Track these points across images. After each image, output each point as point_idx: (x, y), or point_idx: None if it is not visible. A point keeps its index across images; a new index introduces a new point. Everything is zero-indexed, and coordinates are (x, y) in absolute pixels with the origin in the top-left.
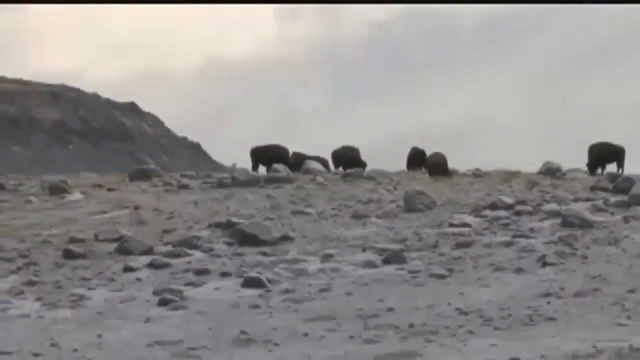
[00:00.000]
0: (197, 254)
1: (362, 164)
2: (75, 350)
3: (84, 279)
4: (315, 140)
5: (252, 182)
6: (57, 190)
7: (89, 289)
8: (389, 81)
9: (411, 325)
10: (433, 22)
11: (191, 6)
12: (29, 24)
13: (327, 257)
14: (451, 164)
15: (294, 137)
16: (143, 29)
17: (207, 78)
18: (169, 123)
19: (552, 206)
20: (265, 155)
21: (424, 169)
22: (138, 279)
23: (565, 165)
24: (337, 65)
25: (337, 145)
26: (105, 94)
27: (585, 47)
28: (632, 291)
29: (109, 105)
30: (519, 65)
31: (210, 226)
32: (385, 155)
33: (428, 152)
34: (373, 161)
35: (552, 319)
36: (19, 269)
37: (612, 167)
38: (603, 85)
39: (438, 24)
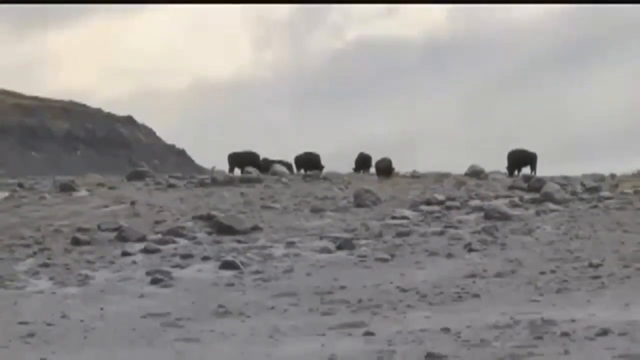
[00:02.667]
0: (183, 241)
1: (320, 167)
2: (82, 321)
3: (88, 262)
4: (282, 148)
5: (229, 182)
6: (67, 188)
7: (93, 270)
8: (344, 98)
9: (360, 301)
10: (381, 50)
11: (182, 34)
12: (45, 50)
13: (290, 244)
14: (393, 167)
15: (264, 145)
16: (141, 54)
17: (193, 96)
18: (160, 133)
19: (477, 202)
20: (240, 159)
21: (370, 171)
22: (134, 262)
23: (488, 168)
24: (300, 85)
25: (299, 151)
26: (107, 109)
27: (508, 69)
28: (543, 273)
29: (111, 118)
30: (453, 85)
31: (193, 218)
32: (339, 159)
33: (375, 158)
34: (330, 165)
35: (476, 295)
36: (35, 253)
37: (527, 170)
38: (521, 101)
39: (386, 51)
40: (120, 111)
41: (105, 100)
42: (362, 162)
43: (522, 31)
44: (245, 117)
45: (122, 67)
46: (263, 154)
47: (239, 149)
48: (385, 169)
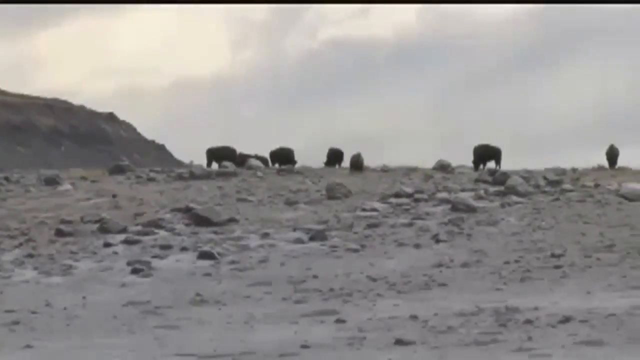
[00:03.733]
0: (162, 232)
1: (294, 162)
2: (65, 308)
3: (72, 252)
4: (258, 143)
5: (206, 176)
6: (51, 182)
7: (76, 260)
8: (318, 96)
9: (331, 289)
10: (354, 49)
11: (164, 34)
12: (31, 49)
13: (265, 235)
14: (364, 162)
15: (241, 141)
16: (124, 53)
17: (173, 94)
18: (141, 129)
19: (444, 195)
20: (217, 154)
21: (341, 165)
22: (115, 253)
23: (454, 163)
24: (276, 83)
25: (274, 146)
26: (90, 106)
27: (476, 68)
28: (507, 263)
29: (93, 115)
30: (423, 83)
31: (172, 210)
32: (313, 154)
33: (346, 153)
34: (304, 159)
35: (443, 284)
36: (21, 244)
37: (492, 164)
38: (487, 99)
39: (358, 50)
40: (102, 108)
41: (89, 97)
42: (334, 156)
43: (490, 31)
44: (223, 114)
45: (106, 66)
46: (239, 149)
47: (216, 144)
48: (358, 163)
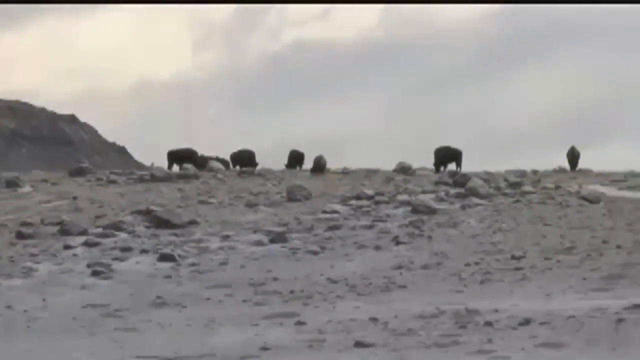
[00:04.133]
0: (122, 235)
1: (255, 164)
2: (26, 311)
3: (32, 254)
4: (219, 145)
5: (167, 178)
6: (12, 184)
7: (36, 262)
8: (280, 98)
9: (292, 292)
10: (318, 51)
11: (126, 36)
12: None
13: (225, 237)
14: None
15: (202, 142)
16: (86, 55)
17: (134, 95)
18: (102, 131)
19: (404, 197)
20: (178, 156)
21: (302, 168)
22: (75, 255)
23: (415, 165)
24: (238, 86)
25: (235, 148)
26: (51, 108)
27: (438, 70)
28: (468, 265)
29: (55, 117)
30: (385, 85)
31: (133, 213)
32: (274, 157)
33: (307, 155)
34: (266, 161)
35: (403, 286)
36: None
37: (452, 166)
38: (449, 100)
39: (322, 52)
40: (64, 110)
41: (50, 99)
42: (295, 158)
43: (453, 32)
44: (184, 116)
45: (67, 68)
46: (201, 151)
47: (177, 146)
48: (320, 165)
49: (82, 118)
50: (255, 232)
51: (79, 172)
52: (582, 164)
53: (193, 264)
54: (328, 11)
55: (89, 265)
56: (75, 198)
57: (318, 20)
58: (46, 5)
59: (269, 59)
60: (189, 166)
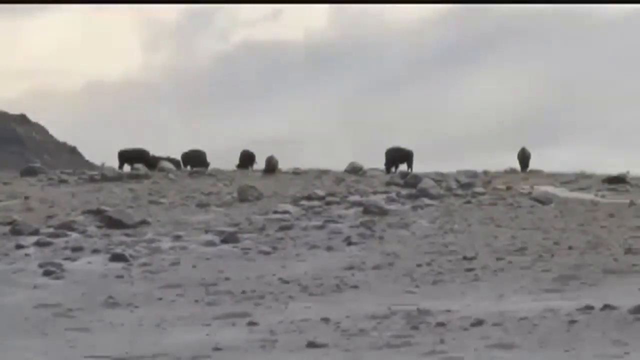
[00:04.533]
0: (74, 234)
1: (206, 164)
2: None
3: None
4: (170, 145)
5: (118, 178)
6: None
7: None
8: (231, 98)
9: (243, 292)
10: (266, 51)
11: (76, 37)
12: None
13: (177, 238)
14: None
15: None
16: (36, 55)
17: (85, 95)
18: (52, 131)
19: (356, 197)
20: (129, 156)
21: (253, 168)
22: (27, 255)
23: (366, 165)
24: (188, 86)
25: (187, 149)
26: (1, 107)
27: (389, 70)
28: (419, 265)
29: (5, 116)
30: (335, 85)
31: (84, 213)
32: (226, 157)
33: (259, 155)
34: (217, 162)
35: (355, 287)
36: None
37: (404, 167)
38: (400, 101)
39: (270, 52)
40: (14, 110)
41: (1, 99)
42: (246, 159)
43: (404, 32)
44: (134, 117)
45: (17, 67)
46: (152, 151)
47: (128, 146)
48: (272, 165)
49: (33, 118)
50: (206, 232)
51: (30, 172)
52: (532, 165)
53: (145, 264)
54: (278, 11)
55: (40, 265)
56: (26, 198)
57: (268, 21)
58: None
59: (219, 59)
60: (140, 166)
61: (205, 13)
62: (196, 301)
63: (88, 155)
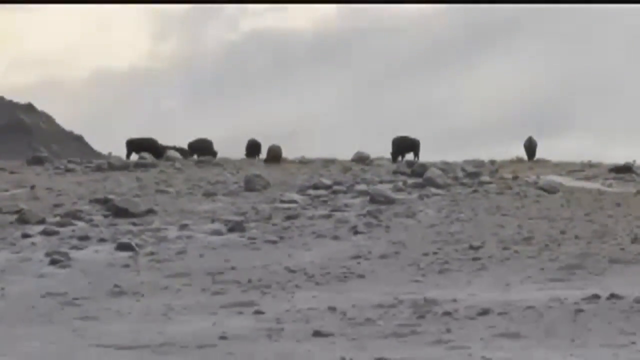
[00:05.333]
0: (80, 223)
1: (214, 153)
2: None
3: None
4: (178, 134)
5: (124, 167)
6: None
7: None
8: (238, 88)
9: (250, 281)
10: (275, 41)
11: (86, 29)
12: None
13: (183, 227)
14: (283, 153)
15: (160, 132)
16: (42, 45)
17: (92, 85)
18: (59, 120)
19: (362, 186)
20: (138, 145)
21: (260, 157)
22: (33, 244)
23: (373, 154)
24: (196, 75)
25: (193, 138)
26: (9, 97)
27: (396, 62)
28: (425, 254)
29: (12, 105)
30: (342, 75)
31: (91, 202)
32: (234, 146)
33: (265, 144)
34: (225, 151)
35: (361, 276)
36: None
37: (410, 156)
38: (406, 92)
39: (279, 42)
40: (22, 99)
41: (8, 88)
42: (253, 148)
43: (412, 24)
44: (142, 106)
45: (25, 58)
46: (159, 140)
47: (135, 135)
48: (276, 154)
49: (40, 107)
50: (213, 221)
51: (37, 161)
52: (539, 155)
53: (151, 253)
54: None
55: (47, 254)
56: (33, 187)
57: (276, 11)
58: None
59: (226, 48)
60: (147, 155)
61: (213, 2)
62: (202, 290)
63: (95, 144)
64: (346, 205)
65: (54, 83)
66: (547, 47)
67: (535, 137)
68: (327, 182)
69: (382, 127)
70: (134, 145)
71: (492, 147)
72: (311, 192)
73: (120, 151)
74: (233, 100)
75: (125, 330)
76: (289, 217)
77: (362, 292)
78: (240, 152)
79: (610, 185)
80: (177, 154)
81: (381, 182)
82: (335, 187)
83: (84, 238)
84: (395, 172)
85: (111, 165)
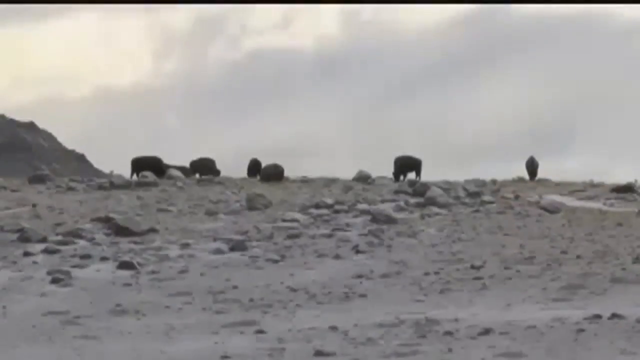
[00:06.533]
0: (82, 242)
1: (216, 172)
2: None
3: None
4: (180, 153)
5: (126, 186)
6: None
7: None
8: (240, 106)
9: (251, 300)
10: (277, 59)
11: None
12: None
13: (185, 245)
14: (285, 172)
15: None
16: (43, 62)
17: (93, 103)
18: (61, 138)
19: (364, 206)
20: (142, 164)
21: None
22: (35, 262)
23: (375, 173)
24: (199, 94)
25: (195, 156)
26: (10, 115)
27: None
28: (427, 274)
29: (13, 123)
30: (344, 93)
31: (92, 220)
32: (236, 165)
33: (267, 163)
34: (227, 170)
35: (363, 295)
36: None
37: (412, 175)
38: (408, 109)
39: (281, 60)
40: (23, 117)
41: (9, 106)
42: (254, 166)
43: (411, 41)
44: (144, 124)
45: (26, 75)
46: (164, 159)
47: (137, 154)
48: (277, 173)
49: (41, 125)
50: (215, 240)
51: (39, 179)
52: (541, 174)
53: (153, 272)
54: (288, 20)
55: (48, 273)
56: (34, 205)
57: (278, 29)
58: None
59: (229, 67)
60: (148, 174)
61: (215, 21)
62: (204, 309)
63: (96, 163)
64: (348, 224)
65: (56, 101)
66: (548, 66)
67: (536, 157)
68: (329, 201)
69: (384, 146)
70: (139, 164)
71: (494, 166)
72: (313, 211)
73: (122, 169)
74: (235, 118)
75: (126, 349)
76: (290, 236)
77: (364, 311)
78: (242, 171)
79: (612, 205)
80: (178, 173)
81: (383, 201)
82: (337, 207)
83: (86, 257)
84: (397, 192)
85: (113, 184)
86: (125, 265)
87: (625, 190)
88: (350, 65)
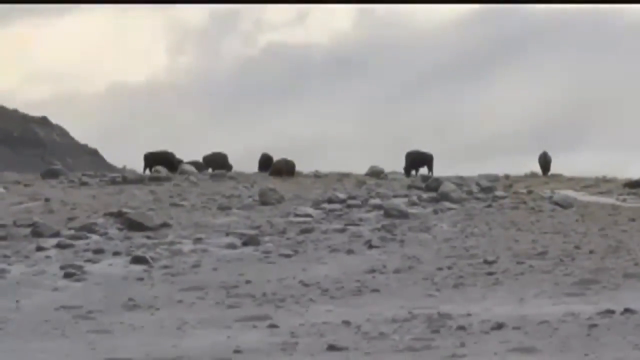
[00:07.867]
0: (95, 237)
1: (229, 167)
2: None
3: (4, 256)
4: (194, 148)
5: (139, 180)
6: None
7: (9, 264)
8: (253, 102)
9: (264, 294)
10: (292, 55)
11: (101, 40)
12: None
13: (198, 240)
14: (297, 167)
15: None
16: (60, 58)
17: (107, 98)
18: (73, 133)
19: (377, 201)
20: (155, 159)
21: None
22: (48, 257)
23: (387, 168)
24: (213, 90)
25: (209, 151)
26: (24, 110)
27: (412, 74)
28: (440, 269)
29: (26, 118)
30: (357, 89)
31: (105, 215)
32: (250, 160)
33: (279, 158)
34: (241, 165)
35: (376, 290)
36: None
37: (424, 170)
38: (421, 105)
39: (296, 56)
40: (36, 112)
41: (23, 102)
42: (265, 162)
43: (426, 37)
44: (158, 119)
45: (40, 70)
46: (177, 154)
47: (151, 149)
48: (289, 168)
49: (54, 120)
50: (227, 235)
51: (51, 174)
52: (553, 169)
53: (165, 267)
54: (303, 16)
55: (61, 267)
56: (47, 200)
57: (293, 24)
58: (20, 5)
59: (243, 63)
60: (161, 168)
61: (230, 17)
62: (217, 304)
63: (109, 158)
64: (360, 219)
65: (69, 96)
66: (562, 61)
67: (549, 152)
68: (342, 196)
69: (396, 141)
70: (151, 159)
71: (507, 161)
72: (325, 206)
73: (135, 164)
74: (249, 114)
75: (139, 343)
76: (303, 231)
77: (377, 306)
78: (255, 166)
79: (624, 200)
80: (191, 168)
81: (395, 196)
82: (350, 201)
83: (99, 251)
84: (409, 187)
85: (126, 179)
86: (138, 260)
87: (638, 185)
88: (364, 62)
